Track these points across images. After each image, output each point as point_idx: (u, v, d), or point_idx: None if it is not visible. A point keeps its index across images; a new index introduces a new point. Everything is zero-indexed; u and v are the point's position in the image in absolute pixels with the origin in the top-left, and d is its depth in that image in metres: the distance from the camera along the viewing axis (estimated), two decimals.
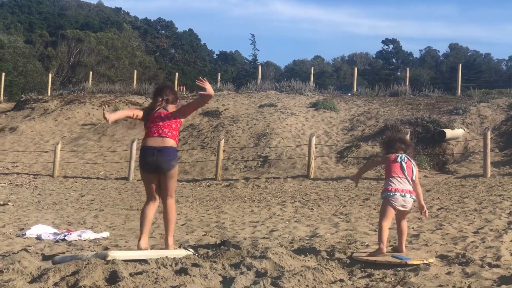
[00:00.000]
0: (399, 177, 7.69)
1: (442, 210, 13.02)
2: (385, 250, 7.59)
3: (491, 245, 8.58)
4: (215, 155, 23.66)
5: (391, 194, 7.63)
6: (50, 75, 49.40)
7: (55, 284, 6.11)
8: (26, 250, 8.27)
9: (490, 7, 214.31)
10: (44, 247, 8.97)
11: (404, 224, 7.90)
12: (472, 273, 6.71)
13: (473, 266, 7.03)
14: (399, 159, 7.77)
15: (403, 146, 7.96)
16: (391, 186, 7.65)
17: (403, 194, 7.66)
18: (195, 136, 27.23)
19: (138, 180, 22.55)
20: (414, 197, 7.76)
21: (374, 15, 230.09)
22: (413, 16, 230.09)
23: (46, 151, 28.21)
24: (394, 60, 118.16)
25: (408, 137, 21.27)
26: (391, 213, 7.69)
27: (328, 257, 7.61)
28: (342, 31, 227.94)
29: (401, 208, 7.72)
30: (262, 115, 28.60)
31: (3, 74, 46.48)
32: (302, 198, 16.67)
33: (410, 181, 7.73)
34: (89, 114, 34.36)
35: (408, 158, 7.84)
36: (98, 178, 23.28)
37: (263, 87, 36.56)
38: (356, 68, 39.95)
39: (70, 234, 10.08)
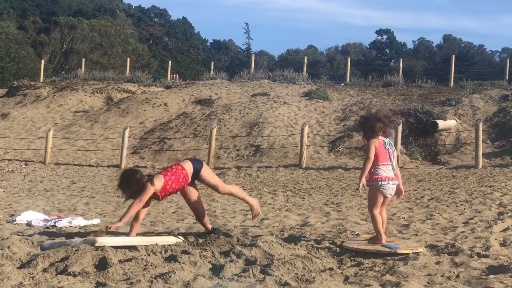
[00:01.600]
0: (387, 164, 7.70)
1: (433, 201, 13.06)
2: (384, 240, 7.62)
3: (481, 236, 8.61)
4: (207, 144, 23.64)
5: (384, 183, 7.64)
6: (42, 61, 49.25)
7: (44, 270, 6.11)
8: (16, 236, 8.26)
9: None
10: (34, 233, 8.95)
11: (384, 211, 7.93)
12: (461, 263, 6.74)
13: (462, 256, 7.06)
14: (387, 146, 7.77)
15: (381, 125, 7.85)
16: (381, 174, 7.64)
17: (393, 182, 7.70)
18: (187, 124, 27.19)
19: None
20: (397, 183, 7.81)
21: (368, 5, 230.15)
22: (407, 7, 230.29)
23: (38, 138, 28.14)
24: (387, 50, 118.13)
25: (400, 127, 21.30)
26: (381, 201, 7.71)
27: (318, 246, 7.62)
28: (336, 21, 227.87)
29: (389, 196, 7.76)
30: (255, 104, 28.57)
31: None
32: (294, 187, 16.69)
33: (394, 166, 7.77)
34: (81, 101, 34.27)
35: (391, 143, 7.87)
36: (89, 165, 23.24)
37: (256, 76, 36.53)
38: (349, 58, 39.93)
39: (61, 220, 10.07)
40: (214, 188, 8.53)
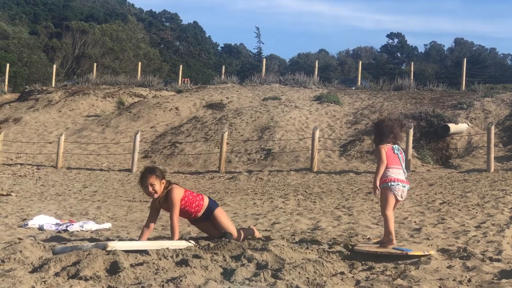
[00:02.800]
0: (397, 168, 7.71)
1: (445, 204, 13.01)
2: (395, 241, 7.62)
3: (493, 240, 8.57)
4: (218, 148, 23.66)
5: (394, 184, 7.64)
6: (54, 66, 49.40)
7: (56, 274, 6.12)
8: (28, 240, 8.28)
9: (493, 2, 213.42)
10: (46, 237, 8.98)
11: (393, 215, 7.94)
12: (472, 267, 6.70)
13: (474, 260, 7.02)
14: (396, 151, 7.81)
15: (392, 136, 7.91)
16: (391, 176, 7.66)
17: (403, 184, 7.71)
18: (198, 128, 27.23)
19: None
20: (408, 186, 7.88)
21: (378, 9, 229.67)
22: (418, 11, 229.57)
23: (50, 142, 28.25)
24: (399, 54, 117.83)
25: (411, 131, 21.26)
26: (393, 202, 7.70)
27: (329, 249, 7.61)
28: (347, 25, 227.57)
29: (399, 199, 7.76)
30: (266, 108, 28.58)
31: (8, 65, 46.53)
32: (305, 191, 16.67)
33: (404, 170, 7.82)
34: (93, 105, 34.39)
35: (400, 149, 7.91)
36: (101, 170, 23.30)
37: (267, 80, 36.57)
38: (360, 62, 39.90)
39: (72, 224, 10.09)
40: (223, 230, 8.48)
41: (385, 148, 7.77)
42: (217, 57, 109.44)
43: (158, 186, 8.21)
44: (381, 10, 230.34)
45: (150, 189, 8.15)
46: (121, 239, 8.57)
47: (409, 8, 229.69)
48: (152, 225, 8.35)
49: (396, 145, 7.91)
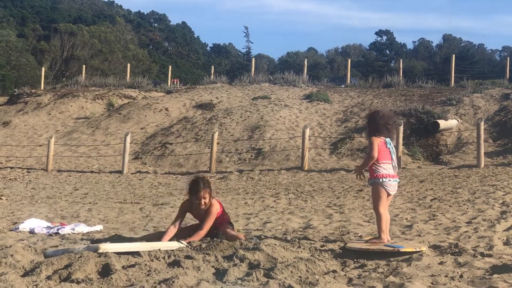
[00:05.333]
0: (388, 162, 7.73)
1: (436, 201, 13.04)
2: (386, 239, 7.63)
3: (484, 235, 8.61)
4: (209, 148, 23.64)
5: (386, 180, 7.67)
6: (43, 69, 49.31)
7: (48, 277, 6.10)
8: (19, 244, 8.26)
9: None
10: (37, 240, 8.95)
11: (387, 211, 7.94)
12: (464, 263, 6.73)
13: (465, 256, 7.04)
14: (388, 146, 7.80)
15: (386, 129, 7.88)
16: (382, 172, 7.67)
17: (394, 179, 7.73)
18: (188, 129, 27.20)
19: (132, 174, 22.54)
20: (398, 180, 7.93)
21: (366, 7, 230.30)
22: (406, 8, 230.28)
23: (40, 145, 28.16)
24: (387, 51, 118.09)
25: (401, 128, 21.31)
26: (385, 198, 7.72)
27: (321, 248, 7.62)
28: (335, 23, 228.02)
29: (391, 194, 7.79)
30: (256, 108, 28.58)
31: None
32: (296, 190, 16.68)
33: (395, 165, 7.83)
34: (82, 107, 34.31)
35: (391, 143, 7.91)
36: (92, 172, 23.24)
37: (256, 79, 36.58)
38: (349, 60, 39.97)
39: (63, 227, 10.06)
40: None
41: (378, 141, 7.75)
42: (206, 57, 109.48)
43: (208, 200, 8.45)
44: (369, 7, 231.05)
45: (202, 201, 8.38)
46: (119, 237, 8.55)
47: (397, 5, 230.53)
48: (178, 225, 8.46)
49: (389, 139, 7.89)
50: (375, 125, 7.88)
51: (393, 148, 7.91)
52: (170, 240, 8.06)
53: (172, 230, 8.31)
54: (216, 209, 8.46)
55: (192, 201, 8.51)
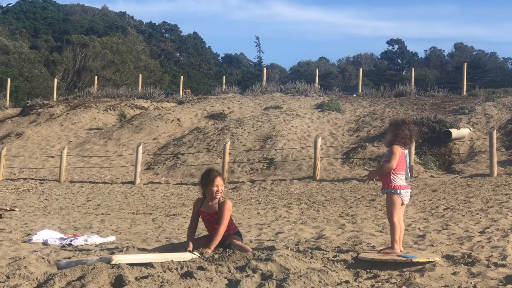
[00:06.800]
0: (402, 173, 7.70)
1: (448, 210, 13.00)
2: (399, 250, 7.60)
3: (497, 245, 8.57)
4: (221, 158, 23.67)
5: (403, 191, 7.65)
6: (55, 80, 49.53)
7: None
8: (32, 255, 8.29)
9: (491, 6, 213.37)
10: (51, 252, 8.98)
11: (402, 221, 7.90)
12: (477, 273, 6.70)
13: (479, 266, 7.01)
14: (406, 157, 7.78)
15: (408, 139, 7.84)
16: (399, 183, 7.64)
17: (406, 190, 7.72)
18: (200, 139, 27.24)
19: (144, 184, 22.59)
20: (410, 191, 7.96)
21: (376, 16, 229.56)
22: (416, 17, 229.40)
23: (52, 156, 28.27)
24: (399, 60, 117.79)
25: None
26: (399, 208, 7.69)
27: (333, 258, 7.60)
28: (346, 33, 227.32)
29: (405, 203, 7.79)
30: (268, 117, 28.61)
31: (9, 80, 46.67)
32: (308, 200, 16.67)
33: (408, 175, 7.83)
34: (94, 118, 34.44)
35: (408, 155, 7.89)
36: (104, 183, 23.31)
37: (268, 89, 36.63)
38: (361, 69, 39.92)
39: (76, 239, 10.08)
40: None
41: (400, 152, 7.70)
42: (218, 67, 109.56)
43: (223, 188, 8.47)
44: (379, 17, 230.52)
45: (218, 188, 8.36)
46: (131, 247, 8.56)
47: (407, 14, 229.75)
48: (196, 226, 8.58)
49: (407, 151, 7.87)
50: (401, 135, 7.76)
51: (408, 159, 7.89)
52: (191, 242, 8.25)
53: (193, 232, 8.51)
54: (230, 205, 8.44)
55: (203, 198, 8.56)
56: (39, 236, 10.24)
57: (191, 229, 8.54)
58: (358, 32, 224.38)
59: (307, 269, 6.92)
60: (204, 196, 8.58)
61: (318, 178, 21.28)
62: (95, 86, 45.84)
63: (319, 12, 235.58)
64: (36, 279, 6.53)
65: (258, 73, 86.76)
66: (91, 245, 9.86)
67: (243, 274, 6.66)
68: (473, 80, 45.08)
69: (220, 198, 8.40)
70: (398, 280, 6.54)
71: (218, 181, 8.36)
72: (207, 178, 8.42)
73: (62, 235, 10.50)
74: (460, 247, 8.52)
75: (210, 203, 8.43)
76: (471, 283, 6.28)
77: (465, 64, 35.26)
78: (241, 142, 25.93)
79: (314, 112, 29.53)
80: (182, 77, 49.08)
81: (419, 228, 10.63)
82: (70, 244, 9.81)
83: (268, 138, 25.79)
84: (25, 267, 7.09)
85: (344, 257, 7.68)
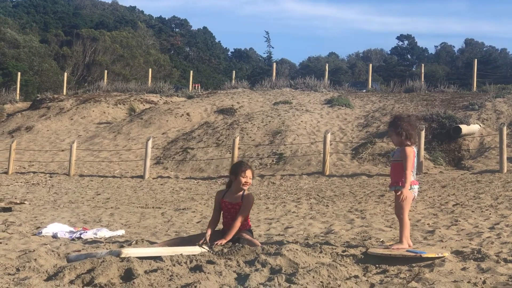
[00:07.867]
0: (413, 170, 7.70)
1: (458, 206, 12.97)
2: (408, 245, 7.62)
3: (507, 241, 8.54)
4: (230, 153, 23.69)
5: (414, 187, 7.69)
6: (65, 74, 49.62)
7: (71, 281, 6.15)
8: (42, 248, 8.32)
9: (501, 2, 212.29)
10: (60, 245, 9.01)
11: None
12: (487, 269, 6.68)
13: (488, 262, 6.99)
14: (416, 155, 7.79)
15: (415, 136, 7.89)
16: (413, 179, 7.66)
17: (416, 185, 7.73)
18: (210, 134, 27.26)
19: (153, 178, 22.63)
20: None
21: (386, 12, 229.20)
22: (426, 13, 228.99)
23: (62, 150, 28.35)
24: (409, 56, 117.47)
25: (423, 133, 21.24)
26: (410, 204, 7.77)
27: (342, 253, 7.60)
28: (355, 28, 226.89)
29: (415, 199, 7.84)
30: (277, 112, 28.59)
31: (19, 73, 46.80)
32: (317, 195, 16.66)
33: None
34: (104, 112, 34.52)
35: None
36: (113, 177, 23.36)
37: (277, 84, 36.61)
38: (371, 65, 39.92)
39: (86, 232, 10.11)
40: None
41: (414, 153, 7.68)
42: (227, 62, 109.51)
43: (251, 181, 8.57)
44: (389, 12, 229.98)
45: (247, 180, 8.44)
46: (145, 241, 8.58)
47: (417, 9, 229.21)
48: (218, 219, 8.60)
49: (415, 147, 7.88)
50: (413, 132, 7.75)
51: None
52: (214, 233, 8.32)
53: (214, 224, 8.53)
54: (253, 199, 8.57)
55: (226, 189, 8.64)
56: (49, 229, 10.28)
57: (212, 221, 8.54)
58: (368, 28, 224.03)
59: (316, 263, 6.92)
60: (228, 186, 8.63)
61: (327, 173, 21.27)
62: (105, 80, 45.89)
63: (329, 7, 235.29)
64: (46, 271, 6.55)
65: (267, 68, 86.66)
66: (101, 238, 9.89)
67: (252, 268, 6.66)
68: (483, 76, 44.98)
69: (245, 190, 8.46)
70: (407, 275, 6.53)
71: (249, 173, 8.45)
72: (239, 168, 8.51)
73: (72, 229, 10.54)
74: (470, 243, 8.50)
75: (234, 193, 8.46)
76: (480, 278, 6.27)
77: (475, 60, 35.19)
78: (250, 137, 25.93)
79: (324, 107, 29.50)
80: (191, 71, 49.02)
81: (428, 224, 10.61)
82: (79, 238, 9.84)
83: (278, 133, 25.78)
84: (35, 259, 7.12)
85: (353, 252, 7.67)
